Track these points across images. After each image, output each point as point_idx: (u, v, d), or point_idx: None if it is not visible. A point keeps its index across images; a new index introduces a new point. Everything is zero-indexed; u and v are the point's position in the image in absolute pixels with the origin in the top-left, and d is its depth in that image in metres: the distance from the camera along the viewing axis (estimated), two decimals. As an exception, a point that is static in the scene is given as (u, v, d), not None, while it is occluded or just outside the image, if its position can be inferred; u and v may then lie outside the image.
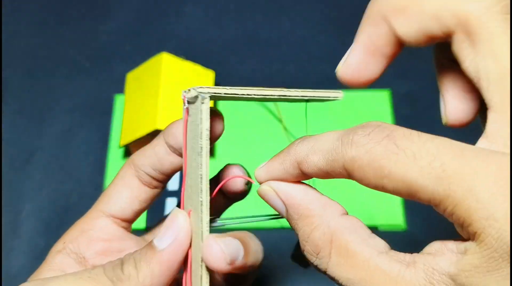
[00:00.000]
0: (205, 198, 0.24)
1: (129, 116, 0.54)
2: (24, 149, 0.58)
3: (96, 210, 0.30)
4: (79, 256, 0.29)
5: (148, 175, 0.29)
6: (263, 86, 0.65)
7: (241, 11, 0.66)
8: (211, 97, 0.24)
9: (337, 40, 0.64)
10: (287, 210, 0.24)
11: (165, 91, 0.52)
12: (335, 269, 0.21)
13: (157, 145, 0.29)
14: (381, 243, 0.22)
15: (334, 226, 0.22)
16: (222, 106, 0.58)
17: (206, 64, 0.58)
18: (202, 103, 0.24)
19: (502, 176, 0.18)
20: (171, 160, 0.29)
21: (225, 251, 0.24)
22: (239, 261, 0.25)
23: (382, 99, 0.59)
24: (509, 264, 0.17)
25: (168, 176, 0.30)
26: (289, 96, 0.25)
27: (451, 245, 0.20)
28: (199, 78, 0.56)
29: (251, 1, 0.67)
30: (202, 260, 0.24)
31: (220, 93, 0.24)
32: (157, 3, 0.67)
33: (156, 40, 0.64)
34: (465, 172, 0.18)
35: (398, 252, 0.21)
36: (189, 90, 0.24)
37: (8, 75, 0.62)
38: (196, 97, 0.24)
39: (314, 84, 0.60)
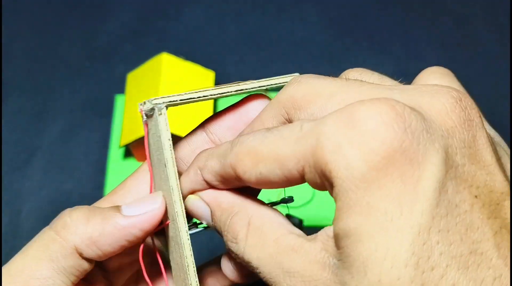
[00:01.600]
0: (180, 209, 0.24)
1: (129, 116, 0.54)
2: (24, 149, 0.58)
3: (110, 203, 0.28)
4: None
5: None
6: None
7: (241, 11, 0.66)
8: (168, 106, 0.24)
9: (337, 40, 0.64)
10: (212, 213, 0.24)
11: (165, 91, 0.52)
12: (250, 250, 0.22)
13: (195, 135, 0.28)
14: (296, 230, 0.22)
15: (252, 211, 0.23)
16: (221, 106, 0.58)
17: (206, 64, 0.58)
18: (160, 114, 0.24)
19: (350, 123, 0.18)
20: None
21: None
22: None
23: (382, 99, 0.59)
24: (363, 191, 0.18)
25: None
26: (246, 89, 0.26)
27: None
28: (199, 78, 0.56)
29: (251, 1, 0.67)
30: (187, 267, 0.24)
31: (176, 101, 0.24)
32: (157, 3, 0.67)
33: (156, 40, 0.64)
34: (320, 126, 0.19)
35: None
36: (144, 103, 0.24)
37: (8, 75, 0.62)
38: (153, 109, 0.24)
39: (314, 84, 0.60)
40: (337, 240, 0.19)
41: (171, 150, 0.24)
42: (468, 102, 0.20)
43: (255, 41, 0.64)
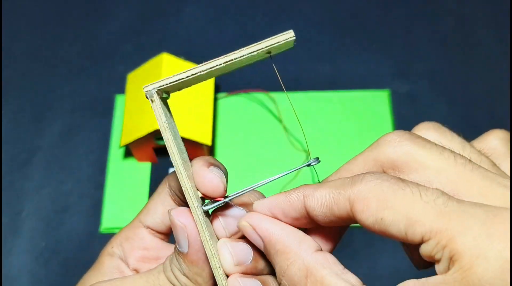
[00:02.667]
0: (188, 185, 0.25)
1: (129, 116, 0.54)
2: (24, 149, 0.58)
3: (137, 220, 0.32)
4: (123, 261, 0.31)
5: (178, 196, 0.30)
6: (263, 86, 0.65)
7: (241, 11, 0.66)
8: (161, 91, 0.25)
9: (337, 40, 0.64)
10: (264, 245, 0.25)
11: (165, 91, 0.52)
12: None
13: (196, 163, 0.30)
14: (353, 278, 0.23)
15: (309, 262, 0.23)
16: (221, 106, 0.58)
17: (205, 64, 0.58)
18: (152, 101, 0.24)
19: (499, 224, 0.19)
20: (205, 175, 0.30)
21: (232, 253, 0.26)
22: (248, 264, 0.26)
23: (381, 99, 0.59)
24: None
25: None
26: (236, 58, 0.25)
27: (424, 279, 0.21)
28: (199, 78, 0.56)
29: (251, 1, 0.67)
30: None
31: (166, 84, 0.24)
32: (157, 3, 0.67)
33: (156, 40, 0.64)
34: (465, 212, 0.20)
35: None
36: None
37: (8, 75, 0.62)
38: (151, 95, 0.25)
39: (314, 84, 0.60)
40: None
41: (168, 132, 0.24)
42: None
43: (255, 41, 0.64)
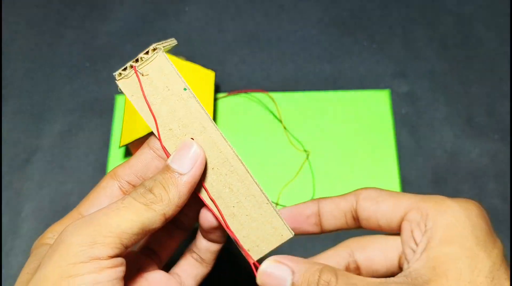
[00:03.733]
0: (209, 118, 0.29)
1: (129, 116, 0.54)
2: (24, 149, 0.58)
3: (77, 211, 0.31)
4: None
5: (130, 184, 0.31)
6: (263, 86, 0.65)
7: (241, 11, 0.66)
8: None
9: (337, 40, 0.64)
10: (293, 274, 0.29)
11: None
12: None
13: (143, 153, 0.31)
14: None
15: (335, 268, 0.29)
16: (221, 106, 0.58)
17: (206, 64, 0.58)
18: (160, 53, 0.30)
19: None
20: (157, 165, 0.31)
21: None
22: None
23: (381, 98, 0.59)
24: None
25: None
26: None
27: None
28: (199, 78, 0.56)
29: (251, 1, 0.67)
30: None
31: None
32: (157, 3, 0.67)
33: (156, 40, 0.64)
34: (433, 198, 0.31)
35: None
36: (146, 52, 0.30)
37: (8, 75, 0.62)
38: (154, 51, 0.30)
39: (314, 84, 0.60)
40: (433, 261, 0.28)
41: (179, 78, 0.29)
42: None
43: (255, 41, 0.64)
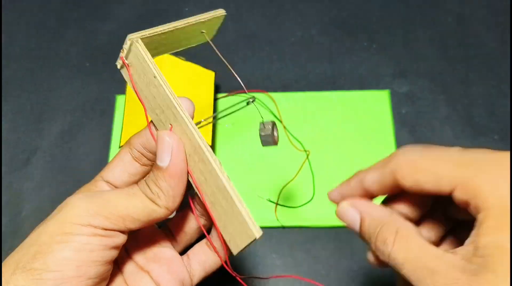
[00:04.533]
0: (178, 107, 0.29)
1: (130, 116, 0.54)
2: (24, 149, 0.58)
3: (99, 175, 0.36)
4: None
5: (139, 152, 0.34)
6: (263, 86, 0.65)
7: (241, 11, 0.66)
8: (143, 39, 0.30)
9: (337, 40, 0.64)
10: (361, 220, 0.31)
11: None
12: (396, 252, 0.28)
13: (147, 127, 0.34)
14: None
15: (400, 224, 0.29)
16: (221, 106, 0.58)
17: (206, 64, 0.58)
18: (135, 44, 0.30)
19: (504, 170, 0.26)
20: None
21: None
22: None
23: (381, 98, 0.59)
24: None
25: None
26: (179, 26, 0.32)
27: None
28: (199, 78, 0.56)
29: (251, 1, 0.67)
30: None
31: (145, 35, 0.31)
32: (157, 3, 0.67)
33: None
34: (478, 159, 0.27)
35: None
36: (122, 49, 0.31)
37: (8, 75, 0.62)
38: (131, 44, 0.30)
39: (314, 84, 0.60)
40: (483, 249, 0.25)
41: (155, 69, 0.30)
42: None
43: (255, 41, 0.64)
